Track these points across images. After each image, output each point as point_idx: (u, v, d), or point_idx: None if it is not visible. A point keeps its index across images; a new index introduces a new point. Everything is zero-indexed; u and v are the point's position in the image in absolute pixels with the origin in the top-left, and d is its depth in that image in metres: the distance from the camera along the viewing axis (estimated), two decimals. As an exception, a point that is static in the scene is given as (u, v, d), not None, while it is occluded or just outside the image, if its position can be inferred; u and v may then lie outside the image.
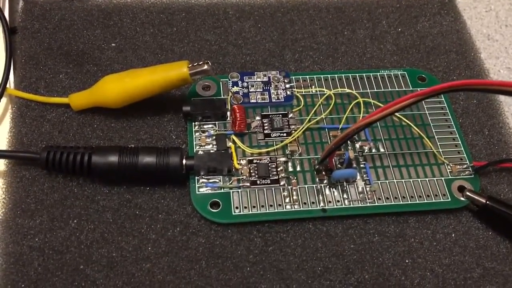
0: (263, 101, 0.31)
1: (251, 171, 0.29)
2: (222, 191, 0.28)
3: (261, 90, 0.32)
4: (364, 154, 0.30)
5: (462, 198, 0.29)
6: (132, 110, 0.30)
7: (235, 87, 0.32)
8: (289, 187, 0.28)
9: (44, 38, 0.33)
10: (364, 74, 0.33)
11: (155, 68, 0.29)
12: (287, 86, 0.32)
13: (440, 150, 0.30)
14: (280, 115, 0.31)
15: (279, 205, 0.28)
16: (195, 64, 0.29)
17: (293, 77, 0.33)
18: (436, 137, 0.31)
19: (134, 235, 0.27)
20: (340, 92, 0.32)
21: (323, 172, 0.29)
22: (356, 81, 0.33)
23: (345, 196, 0.28)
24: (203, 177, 0.28)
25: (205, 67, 0.28)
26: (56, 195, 0.28)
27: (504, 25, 0.39)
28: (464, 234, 0.28)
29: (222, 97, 0.31)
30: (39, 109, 0.30)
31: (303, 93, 0.32)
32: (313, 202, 0.28)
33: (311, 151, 0.30)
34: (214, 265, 0.26)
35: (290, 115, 0.31)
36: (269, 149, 0.29)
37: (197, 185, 0.28)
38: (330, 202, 0.28)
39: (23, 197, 0.28)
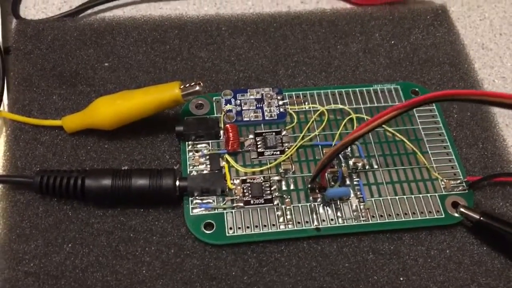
0: (256, 119, 0.31)
1: (245, 190, 0.29)
2: (216, 211, 0.28)
3: (254, 107, 0.32)
4: (357, 171, 0.30)
5: (456, 214, 0.29)
6: (126, 131, 0.30)
7: (228, 105, 0.32)
8: (283, 206, 0.28)
9: (37, 59, 0.33)
10: (357, 89, 0.33)
11: (147, 89, 0.30)
12: (280, 103, 0.32)
13: (434, 165, 0.30)
14: (273, 133, 0.31)
15: (273, 225, 0.28)
16: (187, 85, 0.29)
17: (286, 93, 0.33)
18: (429, 152, 0.31)
19: (128, 258, 0.27)
20: (333, 108, 0.32)
21: (317, 191, 0.29)
22: (349, 96, 0.33)
23: (339, 214, 0.28)
24: (197, 197, 0.28)
25: (197, 88, 0.28)
26: (51, 219, 0.28)
27: (498, 33, 0.39)
28: (458, 250, 0.28)
29: (215, 115, 0.31)
30: (32, 132, 0.31)
31: (296, 110, 0.32)
32: (307, 221, 0.28)
33: (305, 169, 0.30)
34: (208, 287, 0.26)
35: (283, 133, 0.31)
36: (262, 168, 0.30)
37: (190, 206, 0.28)
38: (324, 220, 0.28)
39: (18, 221, 0.28)
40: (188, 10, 0.38)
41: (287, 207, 0.28)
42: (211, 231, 0.27)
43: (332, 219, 0.28)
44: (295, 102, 0.32)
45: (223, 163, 0.29)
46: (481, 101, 0.22)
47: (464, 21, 0.39)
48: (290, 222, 0.28)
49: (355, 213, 0.28)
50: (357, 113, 0.32)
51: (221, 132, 0.31)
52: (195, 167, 0.29)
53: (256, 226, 0.28)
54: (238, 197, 0.28)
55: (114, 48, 0.34)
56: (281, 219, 0.28)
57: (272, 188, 0.29)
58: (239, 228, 0.28)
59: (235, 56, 0.35)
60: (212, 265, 0.27)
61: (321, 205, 0.29)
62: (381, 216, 0.28)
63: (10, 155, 0.30)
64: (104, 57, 0.34)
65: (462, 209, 0.28)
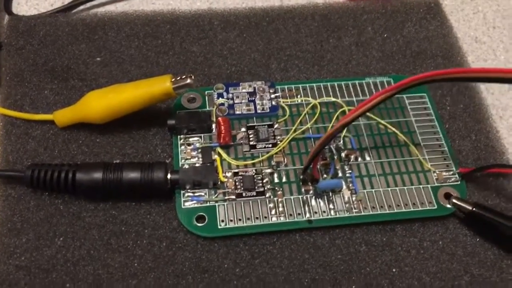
0: (249, 112, 0.31)
1: (237, 183, 0.29)
2: (208, 204, 0.28)
3: (247, 101, 0.32)
4: (350, 163, 0.30)
5: (449, 206, 0.29)
6: (117, 124, 0.30)
7: (220, 98, 0.32)
8: (275, 198, 0.28)
9: (29, 54, 0.33)
10: (349, 82, 0.33)
11: (138, 83, 0.29)
12: (272, 96, 0.32)
13: (427, 157, 0.30)
14: (266, 126, 0.31)
15: (265, 217, 0.28)
16: (178, 78, 0.29)
17: (279, 87, 0.32)
18: (422, 144, 0.31)
19: (120, 251, 0.27)
20: (325, 101, 0.32)
21: (309, 183, 0.29)
22: (341, 90, 0.33)
23: (331, 206, 0.28)
24: (189, 190, 0.28)
25: (188, 81, 0.28)
26: (42, 213, 0.28)
27: (492, 27, 0.39)
28: (451, 242, 0.28)
29: (207, 109, 0.31)
30: (24, 126, 0.31)
31: (289, 103, 0.32)
32: (299, 214, 0.28)
33: (297, 161, 0.30)
34: (200, 279, 0.26)
35: (276, 126, 0.31)
36: (254, 160, 0.29)
37: (182, 199, 0.28)
38: (316, 213, 0.28)
39: (9, 215, 0.28)
40: (180, 5, 0.38)
41: (279, 200, 0.28)
42: (203, 224, 0.27)
43: (324, 211, 0.28)
44: (288, 95, 0.32)
45: (215, 156, 0.29)
46: (468, 79, 0.22)
47: (457, 14, 0.39)
48: (282, 215, 0.28)
49: (347, 205, 0.28)
50: (350, 106, 0.32)
51: (213, 125, 0.30)
52: (187, 161, 0.29)
53: (248, 219, 0.28)
54: (230, 189, 0.28)
55: (106, 43, 0.34)
56: (273, 212, 0.28)
57: (264, 181, 0.29)
58: (231, 220, 0.28)
59: (227, 50, 0.35)
60: (204, 258, 0.27)
61: (313, 197, 0.28)
62: (374, 208, 0.28)
63: (1, 149, 0.30)
64: (96, 52, 0.34)
65: (454, 200, 0.28)
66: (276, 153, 0.30)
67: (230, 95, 0.32)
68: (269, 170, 0.29)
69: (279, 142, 0.30)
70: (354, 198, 0.29)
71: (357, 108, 0.24)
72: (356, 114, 0.24)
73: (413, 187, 0.29)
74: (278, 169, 0.29)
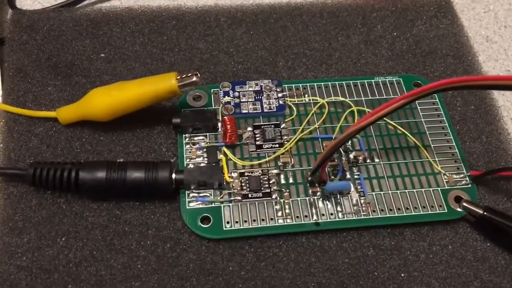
0: (255, 111, 0.31)
1: (243, 184, 0.28)
2: (213, 205, 0.27)
3: (253, 99, 0.31)
4: (358, 164, 0.29)
5: (459, 209, 0.28)
6: (121, 122, 0.30)
7: (226, 97, 0.31)
8: (282, 200, 0.28)
9: (32, 49, 0.33)
10: (358, 82, 0.32)
11: (143, 80, 0.29)
12: (280, 95, 0.31)
13: (437, 159, 0.30)
14: (272, 126, 0.30)
15: (271, 219, 0.27)
16: (183, 76, 0.28)
17: (286, 85, 0.32)
18: (432, 145, 0.30)
19: (123, 252, 0.26)
20: (333, 100, 0.31)
21: (316, 184, 0.28)
22: (350, 89, 0.32)
23: (338, 208, 0.28)
24: (194, 191, 0.28)
25: (194, 78, 0.28)
26: (44, 212, 0.27)
27: (503, 26, 0.38)
28: (461, 246, 0.28)
29: (213, 107, 0.31)
30: (27, 123, 0.30)
31: (296, 102, 0.31)
32: (306, 216, 0.27)
33: (304, 162, 0.29)
34: (205, 282, 0.26)
35: (283, 125, 0.30)
36: (261, 161, 0.29)
37: (187, 200, 0.28)
38: (323, 215, 0.27)
39: (11, 214, 0.27)
40: (186, 1, 0.37)
41: (286, 201, 0.28)
42: (207, 225, 0.27)
43: (332, 214, 0.28)
44: (295, 94, 0.32)
45: (220, 156, 0.29)
46: (493, 87, 0.22)
47: (468, 13, 0.39)
48: (289, 217, 0.27)
49: (355, 208, 0.28)
50: (358, 106, 0.31)
51: (219, 124, 0.30)
52: (192, 160, 0.29)
53: (254, 220, 0.27)
54: (235, 190, 0.28)
55: (111, 39, 0.34)
56: (279, 213, 0.27)
57: (270, 182, 0.28)
58: (237, 222, 0.27)
59: (234, 47, 0.34)
60: (208, 260, 0.26)
61: (321, 199, 0.28)
62: (382, 210, 0.28)
63: (3, 147, 0.29)
64: (100, 48, 0.33)
65: (465, 204, 0.28)
66: (283, 154, 0.29)
67: (237, 94, 0.31)
68: (275, 171, 0.29)
69: (286, 142, 0.30)
70: (362, 201, 0.28)
71: (373, 113, 0.24)
72: (371, 120, 0.24)
73: (422, 189, 0.28)
74: (285, 170, 0.29)
